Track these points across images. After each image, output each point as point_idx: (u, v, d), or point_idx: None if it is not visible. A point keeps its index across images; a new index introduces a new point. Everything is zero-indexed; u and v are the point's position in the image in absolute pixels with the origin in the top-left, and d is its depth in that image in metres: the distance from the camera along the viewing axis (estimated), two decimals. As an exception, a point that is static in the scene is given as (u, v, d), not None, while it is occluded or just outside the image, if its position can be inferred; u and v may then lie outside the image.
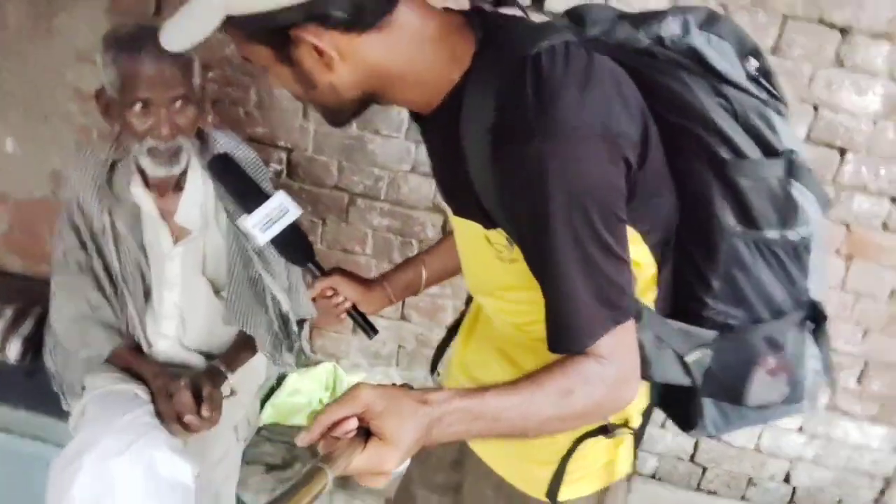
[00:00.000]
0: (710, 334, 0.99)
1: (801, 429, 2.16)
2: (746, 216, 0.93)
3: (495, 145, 0.82)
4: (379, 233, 2.14)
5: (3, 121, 2.15)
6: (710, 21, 0.94)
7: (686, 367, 1.00)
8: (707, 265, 0.96)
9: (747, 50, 0.95)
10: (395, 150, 2.04)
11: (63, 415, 1.74)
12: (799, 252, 0.96)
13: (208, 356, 1.76)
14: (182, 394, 1.53)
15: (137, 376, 1.64)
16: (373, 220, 2.13)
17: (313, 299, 1.36)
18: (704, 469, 2.26)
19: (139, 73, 1.43)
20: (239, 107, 2.05)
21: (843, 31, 1.78)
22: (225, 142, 1.69)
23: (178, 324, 1.73)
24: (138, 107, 1.46)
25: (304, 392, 2.23)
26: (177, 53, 1.43)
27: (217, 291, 1.74)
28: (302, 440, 0.76)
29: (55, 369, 1.78)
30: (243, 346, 1.76)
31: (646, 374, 0.99)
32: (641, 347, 0.95)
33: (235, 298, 1.70)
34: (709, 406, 1.05)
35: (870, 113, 1.84)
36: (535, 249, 0.85)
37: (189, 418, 1.52)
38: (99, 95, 1.53)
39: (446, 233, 1.35)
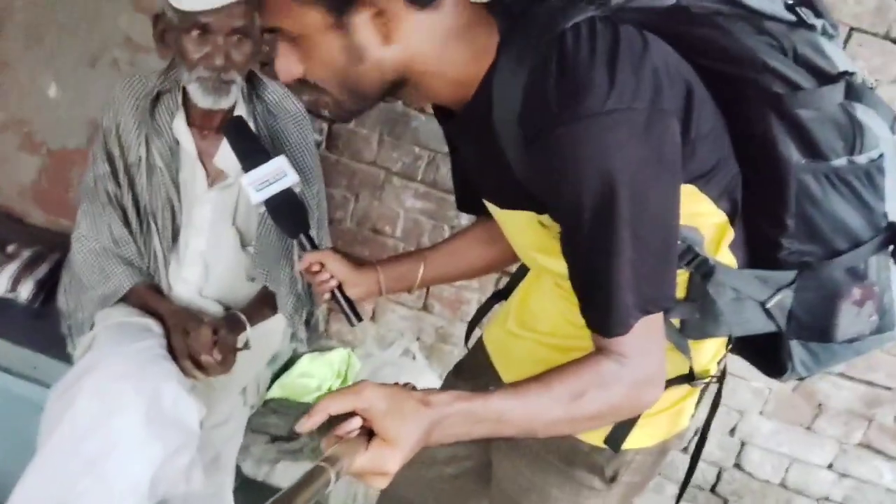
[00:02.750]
0: (788, 275, 0.95)
1: (830, 466, 2.04)
2: (811, 148, 0.89)
3: (525, 133, 0.80)
4: (411, 214, 2.09)
5: (50, 63, 2.15)
6: None
7: (768, 313, 0.96)
8: (779, 206, 0.91)
9: None
10: (438, 130, 1.98)
11: (67, 359, 1.69)
12: (871, 175, 0.92)
13: (227, 309, 1.70)
14: (202, 331, 1.46)
15: (153, 314, 1.58)
16: (406, 200, 2.08)
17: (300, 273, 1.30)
18: (725, 501, 2.14)
19: None
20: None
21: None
22: (274, 88, 1.66)
23: (201, 271, 1.67)
24: (196, 32, 1.43)
25: (316, 376, 2.14)
26: None
27: (244, 245, 1.69)
28: (302, 426, 0.75)
29: (67, 308, 1.72)
30: (265, 303, 1.69)
31: (722, 332, 0.97)
32: (715, 305, 0.93)
33: (262, 251, 1.65)
34: (797, 348, 1.00)
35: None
36: (569, 234, 0.83)
37: (205, 358, 1.44)
38: (157, 20, 1.51)
39: (454, 233, 1.28)
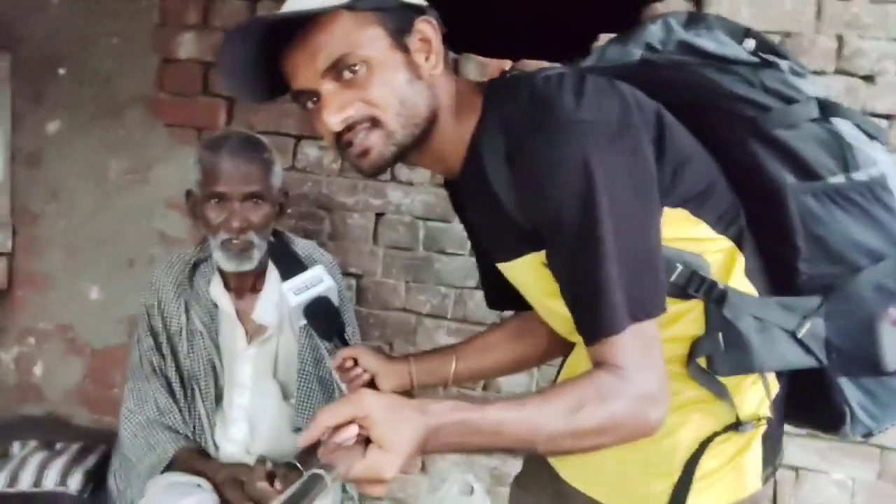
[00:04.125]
0: (813, 301, 0.94)
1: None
2: (802, 168, 0.92)
3: (509, 162, 0.87)
4: (447, 354, 2.11)
5: (92, 269, 2.29)
6: (693, 19, 1.00)
7: (803, 345, 0.93)
8: (785, 229, 0.93)
9: (740, 33, 0.99)
10: (461, 267, 2.08)
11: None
12: (877, 193, 0.92)
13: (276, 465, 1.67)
14: (256, 471, 1.44)
15: (201, 475, 1.56)
16: (440, 339, 2.11)
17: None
18: None
19: (217, 168, 1.55)
20: (313, 238, 2.15)
21: (888, 118, 1.85)
22: (304, 245, 1.76)
23: (247, 428, 1.67)
24: (215, 201, 1.56)
25: (372, 540, 2.05)
26: (255, 153, 1.59)
27: (286, 397, 1.70)
28: (302, 440, 0.77)
29: (117, 490, 1.71)
30: (314, 452, 1.66)
31: (755, 365, 0.93)
32: (741, 336, 0.91)
33: (305, 398, 1.66)
34: (849, 388, 0.96)
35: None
36: (554, 245, 0.86)
37: (263, 486, 1.43)
38: (188, 196, 1.65)
39: (485, 330, 1.31)
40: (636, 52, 0.99)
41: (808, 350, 0.93)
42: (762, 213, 0.94)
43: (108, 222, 2.27)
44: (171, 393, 1.67)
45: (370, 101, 0.87)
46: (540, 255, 0.91)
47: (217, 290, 1.68)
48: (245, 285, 1.68)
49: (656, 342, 0.84)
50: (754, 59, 0.96)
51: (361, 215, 2.13)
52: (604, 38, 1.91)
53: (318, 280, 1.23)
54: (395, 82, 0.88)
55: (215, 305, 1.68)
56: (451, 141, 0.94)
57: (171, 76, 2.20)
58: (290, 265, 1.29)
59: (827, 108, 0.93)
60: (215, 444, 1.65)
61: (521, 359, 1.26)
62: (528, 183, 0.85)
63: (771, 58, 0.96)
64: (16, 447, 2.00)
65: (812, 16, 1.86)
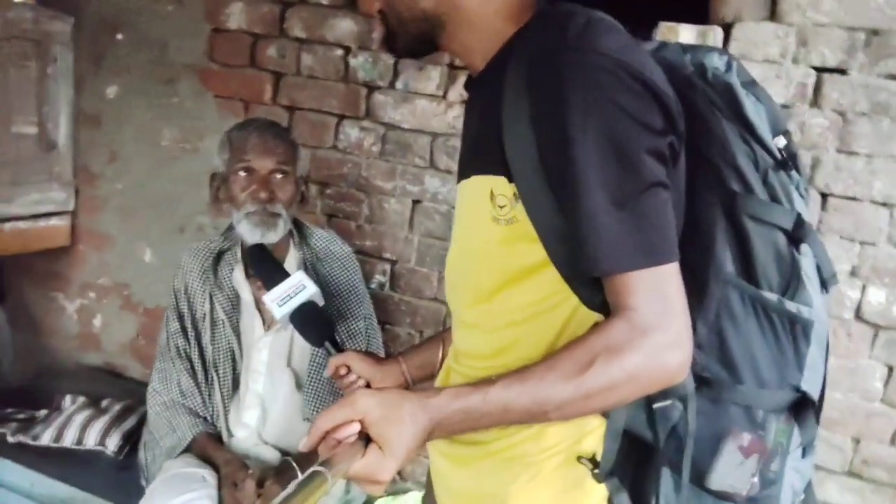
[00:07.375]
0: (687, 386, 0.87)
1: None
2: (747, 268, 0.88)
3: (531, 71, 0.82)
4: (475, 348, 2.08)
5: (146, 232, 2.39)
6: (753, 84, 0.94)
7: (651, 417, 0.88)
8: (694, 306, 0.86)
9: (780, 128, 0.93)
10: (494, 261, 2.02)
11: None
12: (796, 333, 0.88)
13: (285, 453, 1.72)
14: (247, 483, 1.48)
15: (212, 463, 1.62)
16: (470, 334, 2.07)
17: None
18: None
19: (245, 142, 1.60)
20: (351, 221, 2.15)
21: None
22: (321, 235, 1.76)
23: (260, 414, 1.72)
24: (243, 174, 1.59)
25: (395, 523, 2.09)
26: (282, 133, 1.60)
27: (299, 386, 1.73)
28: (303, 446, 0.77)
29: (146, 462, 1.80)
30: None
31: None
32: None
33: (315, 389, 1.68)
34: (667, 483, 0.89)
35: None
36: (558, 169, 0.80)
37: (250, 489, 1.47)
38: (212, 178, 1.68)
39: None
40: (688, 67, 0.94)
41: (651, 424, 0.88)
42: (683, 281, 0.88)
43: (160, 188, 2.34)
44: (194, 376, 1.73)
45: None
46: (494, 181, 0.88)
47: (239, 278, 1.71)
48: (267, 273, 1.70)
49: (674, 284, 0.80)
50: (774, 153, 0.91)
51: (398, 201, 2.09)
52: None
53: (301, 287, 1.24)
54: None
55: (237, 294, 1.71)
56: (485, 35, 0.93)
57: (221, 46, 2.20)
58: (272, 273, 1.29)
59: (802, 229, 0.89)
60: (229, 430, 1.71)
61: None
62: (542, 88, 0.81)
63: (790, 164, 0.92)
64: (67, 401, 2.14)
65: (906, 13, 1.62)
